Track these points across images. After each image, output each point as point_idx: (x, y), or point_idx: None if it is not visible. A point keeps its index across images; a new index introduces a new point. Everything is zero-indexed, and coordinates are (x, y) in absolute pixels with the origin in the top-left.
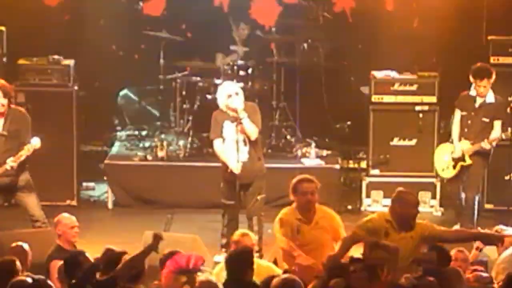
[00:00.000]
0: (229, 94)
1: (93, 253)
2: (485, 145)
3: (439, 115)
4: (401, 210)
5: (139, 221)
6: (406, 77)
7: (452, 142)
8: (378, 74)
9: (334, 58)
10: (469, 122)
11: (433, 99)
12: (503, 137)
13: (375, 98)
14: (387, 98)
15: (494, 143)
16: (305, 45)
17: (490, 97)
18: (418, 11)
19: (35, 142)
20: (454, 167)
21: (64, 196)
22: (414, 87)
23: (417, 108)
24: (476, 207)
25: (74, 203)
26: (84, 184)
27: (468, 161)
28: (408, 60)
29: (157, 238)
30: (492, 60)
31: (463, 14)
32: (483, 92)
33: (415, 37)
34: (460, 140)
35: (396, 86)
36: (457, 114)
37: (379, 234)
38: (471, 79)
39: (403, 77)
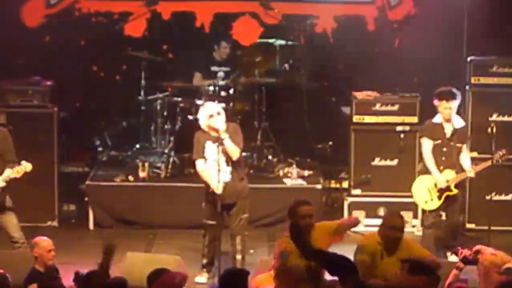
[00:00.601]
0: (211, 114)
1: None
2: (471, 174)
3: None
4: (385, 233)
5: (121, 242)
6: (387, 97)
7: (424, 172)
8: (359, 95)
9: (315, 78)
10: (445, 149)
11: (414, 119)
12: (494, 162)
13: (356, 118)
14: (368, 119)
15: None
16: (287, 65)
17: (459, 122)
18: (399, 32)
19: (26, 165)
20: (440, 197)
21: (45, 217)
22: (395, 108)
23: (398, 128)
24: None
25: (55, 224)
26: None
27: (455, 190)
28: (389, 81)
29: (108, 251)
30: (473, 80)
31: (444, 35)
32: (449, 114)
33: (396, 58)
34: (438, 169)
35: (377, 107)
36: (427, 143)
37: (376, 256)
38: (437, 102)
39: (384, 98)
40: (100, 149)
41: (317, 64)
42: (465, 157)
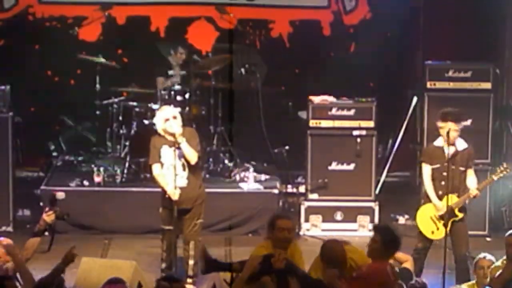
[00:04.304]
0: (167, 118)
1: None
2: (474, 192)
3: (377, 140)
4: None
5: (76, 247)
6: (344, 102)
7: (427, 201)
8: (316, 99)
9: (272, 82)
10: (445, 174)
11: (370, 123)
12: (496, 178)
13: (312, 122)
14: (325, 123)
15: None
16: (243, 70)
17: (462, 144)
18: (354, 36)
19: None
20: (446, 225)
21: None
22: (352, 112)
23: (355, 133)
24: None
25: (10, 229)
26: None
27: (460, 215)
28: (345, 85)
29: (67, 259)
30: (429, 85)
31: (400, 39)
32: (456, 137)
33: (352, 62)
34: (438, 194)
35: (334, 111)
36: (426, 168)
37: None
38: (442, 123)
39: (341, 102)
40: (55, 154)
41: (273, 69)
42: (472, 179)
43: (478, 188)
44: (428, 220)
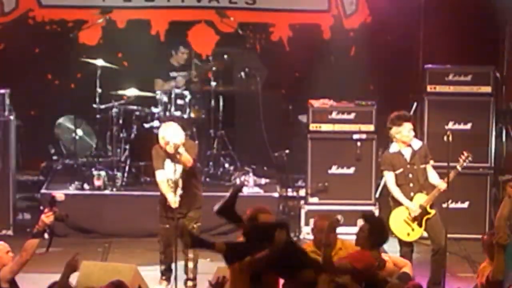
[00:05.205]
0: (167, 142)
1: (29, 283)
2: (443, 186)
3: (377, 143)
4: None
5: (76, 251)
6: (344, 105)
7: (396, 206)
8: (316, 103)
9: (272, 86)
10: (410, 176)
11: (370, 127)
12: (460, 168)
13: (313, 126)
14: (325, 127)
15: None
16: (243, 73)
17: (417, 143)
18: (354, 40)
19: None
20: (420, 224)
21: None
22: (352, 116)
23: (355, 136)
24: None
25: (10, 232)
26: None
27: (432, 212)
28: (345, 89)
29: (70, 267)
30: (429, 88)
31: (400, 43)
32: (410, 136)
33: (352, 66)
34: (408, 197)
35: (334, 115)
36: (389, 175)
37: None
38: (396, 128)
39: (341, 106)
40: (55, 157)
41: (273, 73)
42: (433, 174)
43: (446, 181)
44: (402, 223)
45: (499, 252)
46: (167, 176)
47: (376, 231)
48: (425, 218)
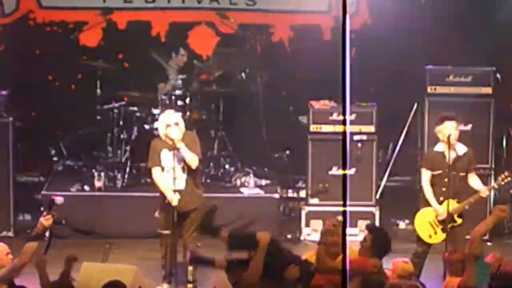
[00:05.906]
0: (168, 124)
1: (29, 283)
2: (486, 192)
3: (377, 144)
4: None
5: (77, 252)
6: None
7: (425, 205)
8: (316, 104)
9: (272, 87)
10: (446, 180)
11: (371, 128)
12: (496, 186)
13: (313, 127)
14: (326, 128)
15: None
16: (243, 74)
17: (462, 148)
18: (355, 41)
19: None
20: (444, 230)
21: (0, 227)
22: (352, 117)
23: (356, 137)
24: None
25: (10, 234)
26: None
27: (459, 221)
28: None
29: (69, 261)
30: (429, 89)
31: (400, 44)
32: (456, 137)
33: (352, 67)
34: (438, 200)
35: (335, 116)
36: (426, 174)
37: None
38: (440, 126)
39: (341, 107)
40: (55, 158)
41: (273, 73)
42: (475, 180)
43: (488, 188)
44: (426, 224)
45: (471, 262)
46: (167, 166)
47: (379, 242)
48: (450, 225)
